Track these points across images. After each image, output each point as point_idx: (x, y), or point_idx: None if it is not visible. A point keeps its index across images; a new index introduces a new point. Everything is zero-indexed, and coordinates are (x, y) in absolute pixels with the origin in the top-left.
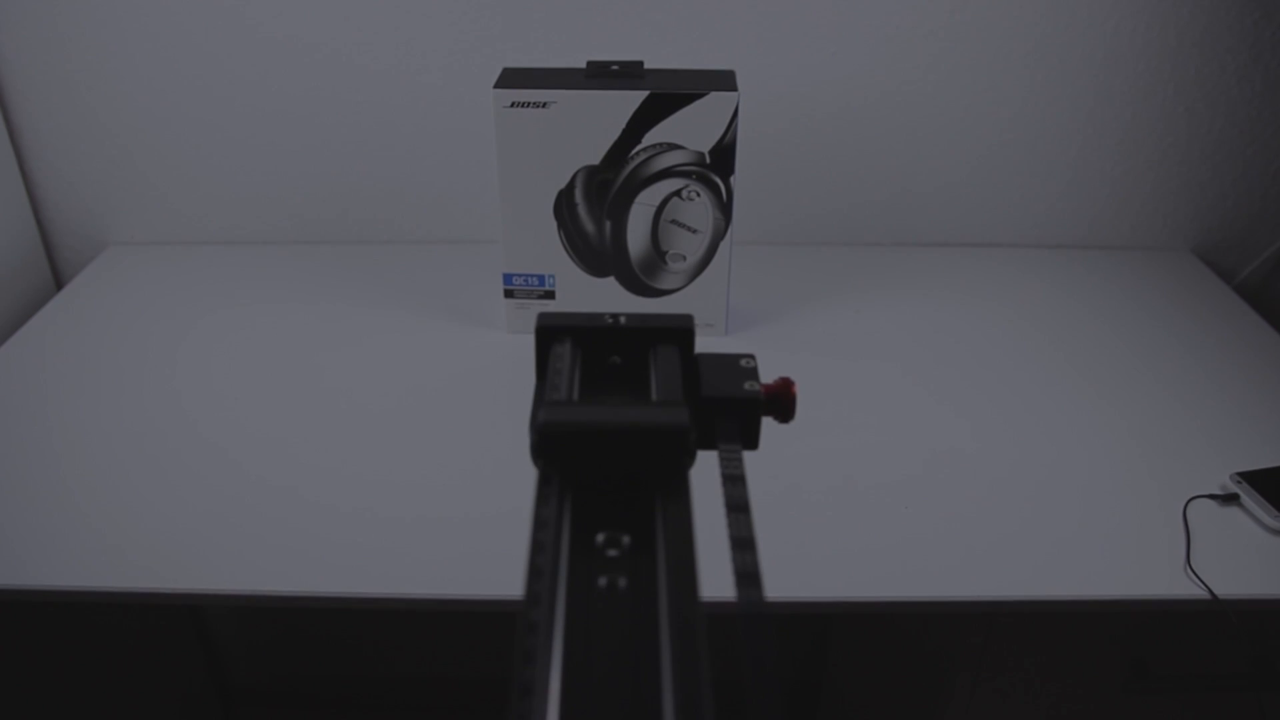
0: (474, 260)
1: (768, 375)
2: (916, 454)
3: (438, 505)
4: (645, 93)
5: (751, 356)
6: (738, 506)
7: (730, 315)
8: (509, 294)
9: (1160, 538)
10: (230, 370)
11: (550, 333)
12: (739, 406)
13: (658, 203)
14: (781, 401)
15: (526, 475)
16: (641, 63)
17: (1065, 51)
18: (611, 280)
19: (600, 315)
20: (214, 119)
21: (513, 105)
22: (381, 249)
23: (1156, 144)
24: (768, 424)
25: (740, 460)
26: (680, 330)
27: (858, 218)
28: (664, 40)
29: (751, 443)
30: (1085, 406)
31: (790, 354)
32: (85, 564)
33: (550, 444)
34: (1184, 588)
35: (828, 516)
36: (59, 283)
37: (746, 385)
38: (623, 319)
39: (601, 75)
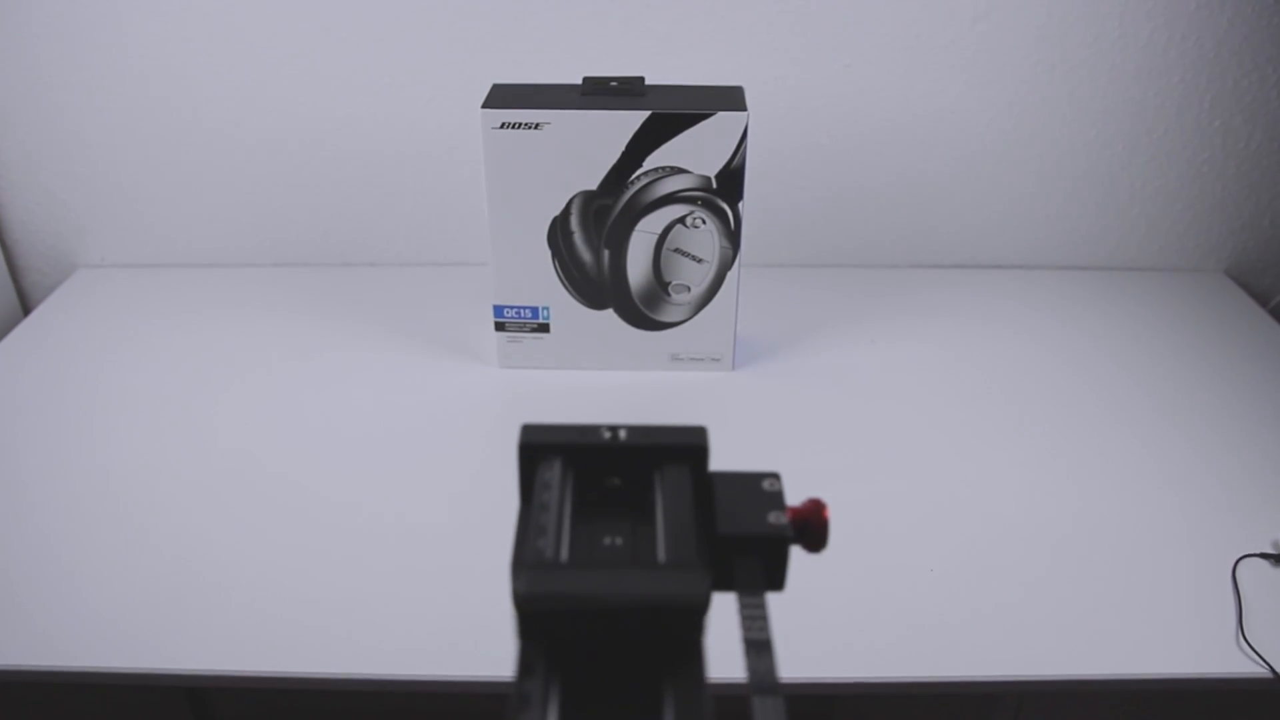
0: (464, 286)
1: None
2: (937, 508)
3: (424, 568)
4: (646, 113)
5: (776, 477)
6: (763, 688)
7: (738, 347)
8: (500, 327)
9: (1208, 604)
10: (204, 402)
11: (536, 450)
12: (762, 544)
13: (660, 230)
14: (811, 530)
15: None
16: (642, 79)
17: (1095, 62)
18: (610, 313)
19: (596, 429)
20: (187, 135)
21: (503, 126)
22: (365, 273)
23: (1190, 160)
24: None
25: (765, 617)
26: (691, 448)
27: (872, 238)
28: (666, 53)
29: (777, 583)
30: (1118, 450)
31: (801, 391)
32: (39, 635)
33: (533, 621)
34: (1238, 663)
35: (838, 581)
36: (26, 307)
37: (771, 517)
38: (623, 433)
39: (599, 93)
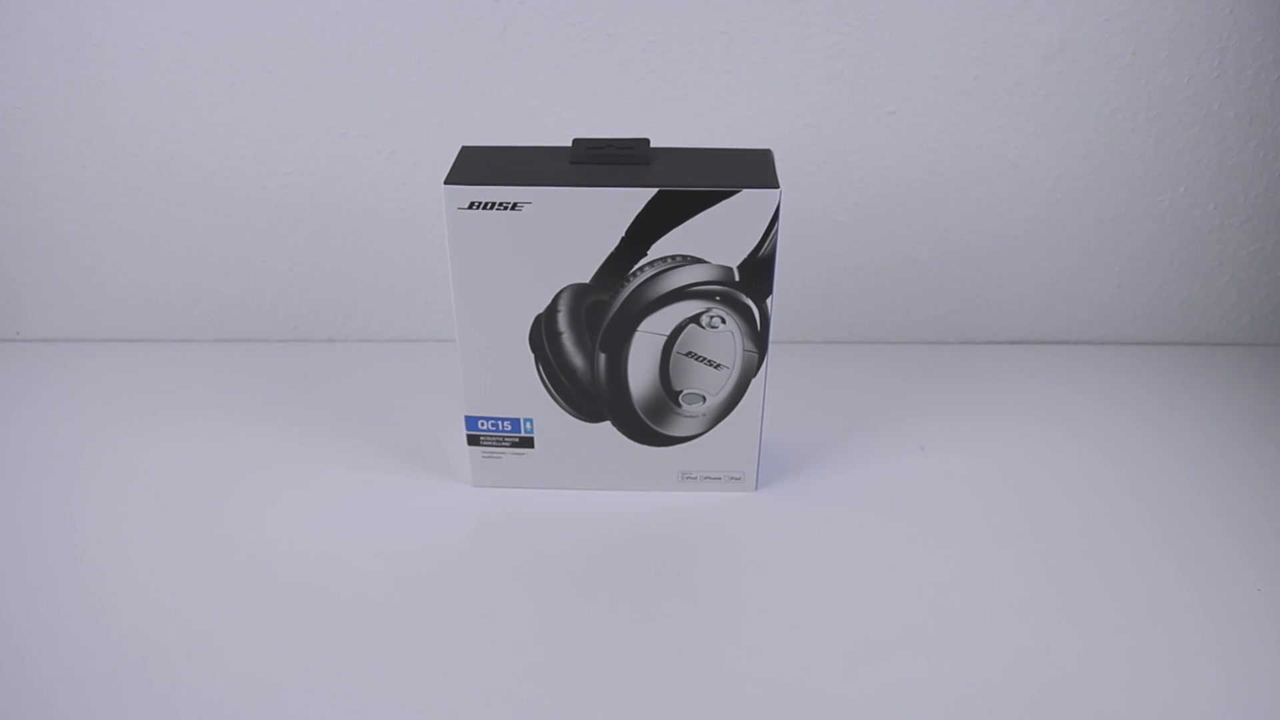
0: (435, 367)
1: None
2: (1015, 691)
3: None
4: (652, 191)
5: None
6: None
7: (762, 458)
8: (474, 440)
9: None
10: (127, 505)
11: None
12: None
13: (669, 331)
14: None
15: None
16: (647, 140)
17: (1188, 107)
18: (607, 426)
19: None
20: (112, 190)
21: (471, 206)
22: (321, 350)
23: None
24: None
25: None
26: None
27: (915, 311)
28: (673, 97)
29: None
30: (1231, 599)
31: (839, 518)
32: None
33: None
34: None
35: None
36: None
37: None
38: None
39: (592, 161)
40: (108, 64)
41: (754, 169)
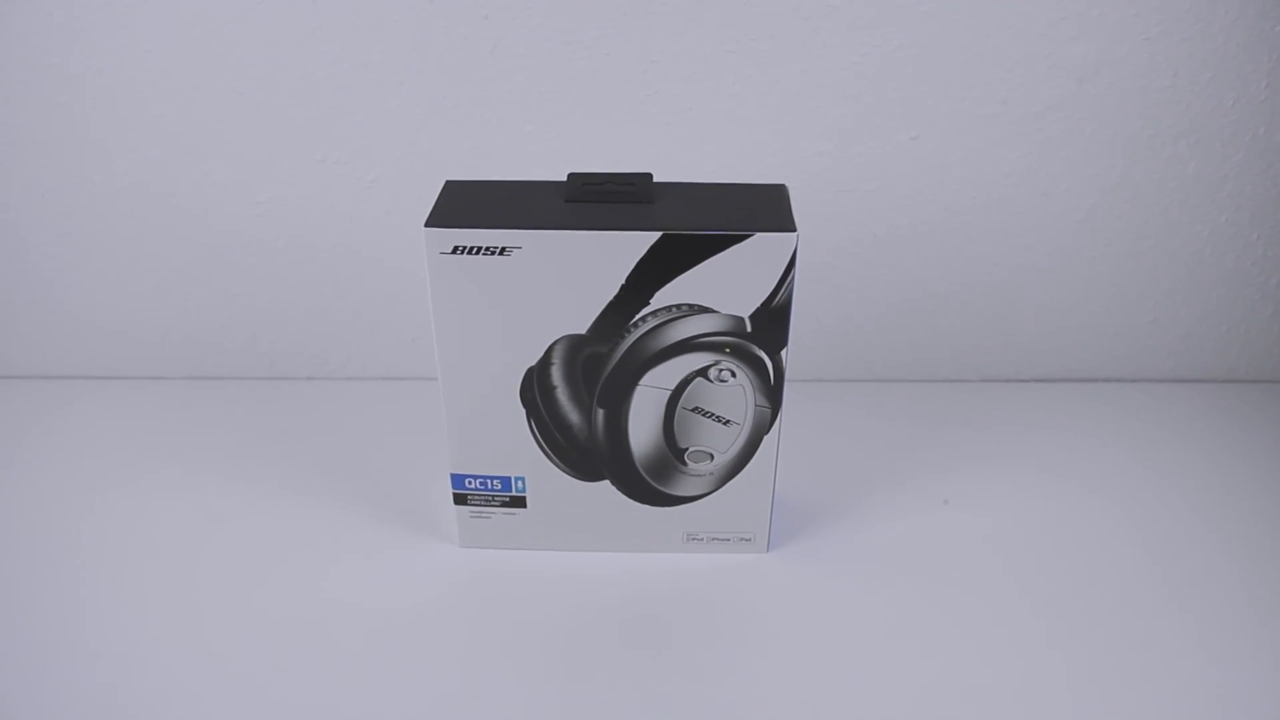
0: (420, 409)
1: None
2: None
3: None
4: (656, 234)
5: None
6: None
7: (775, 514)
8: (461, 500)
9: None
10: (83, 570)
11: None
12: None
13: (674, 386)
14: None
15: None
16: (649, 176)
17: (1231, 132)
18: (605, 485)
19: None
20: (78, 223)
21: (455, 251)
22: (301, 390)
23: None
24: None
25: None
26: None
27: (936, 347)
28: (678, 123)
29: None
30: None
31: (856, 588)
32: None
33: None
34: None
35: None
36: None
37: None
38: None
39: (589, 199)
40: (65, 85)
41: (768, 209)
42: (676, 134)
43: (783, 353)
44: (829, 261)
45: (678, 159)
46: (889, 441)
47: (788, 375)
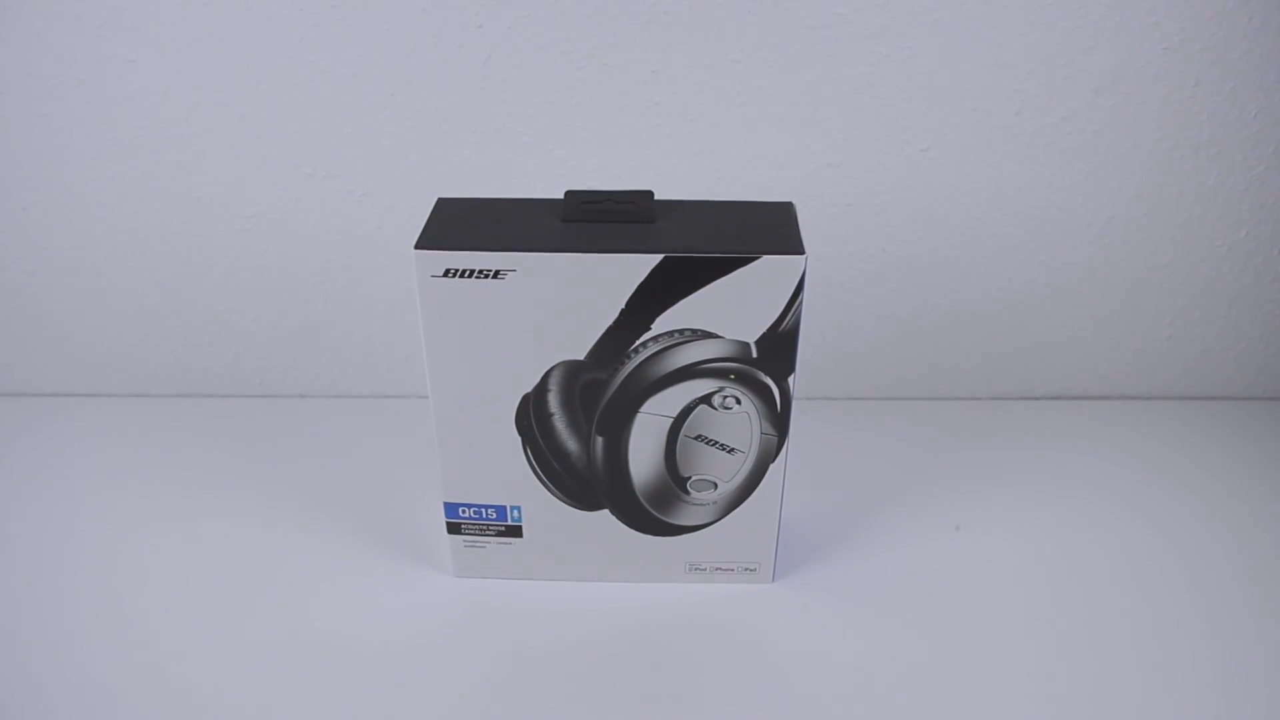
0: (412, 428)
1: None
2: None
3: None
4: (657, 257)
5: None
6: None
7: (780, 542)
8: (454, 529)
9: None
10: (63, 602)
11: None
12: None
13: (676, 413)
14: None
15: None
16: (650, 193)
17: (1254, 144)
18: (605, 514)
19: None
20: (59, 238)
21: (446, 274)
22: (291, 408)
23: None
24: None
25: None
26: None
27: (946, 364)
28: (679, 134)
29: None
30: None
31: (865, 620)
32: None
33: None
34: None
35: None
36: None
37: None
38: None
39: (587, 218)
40: (44, 97)
41: (774, 229)
42: (679, 146)
43: (790, 379)
44: (836, 276)
45: (680, 171)
46: (898, 463)
47: (793, 393)
